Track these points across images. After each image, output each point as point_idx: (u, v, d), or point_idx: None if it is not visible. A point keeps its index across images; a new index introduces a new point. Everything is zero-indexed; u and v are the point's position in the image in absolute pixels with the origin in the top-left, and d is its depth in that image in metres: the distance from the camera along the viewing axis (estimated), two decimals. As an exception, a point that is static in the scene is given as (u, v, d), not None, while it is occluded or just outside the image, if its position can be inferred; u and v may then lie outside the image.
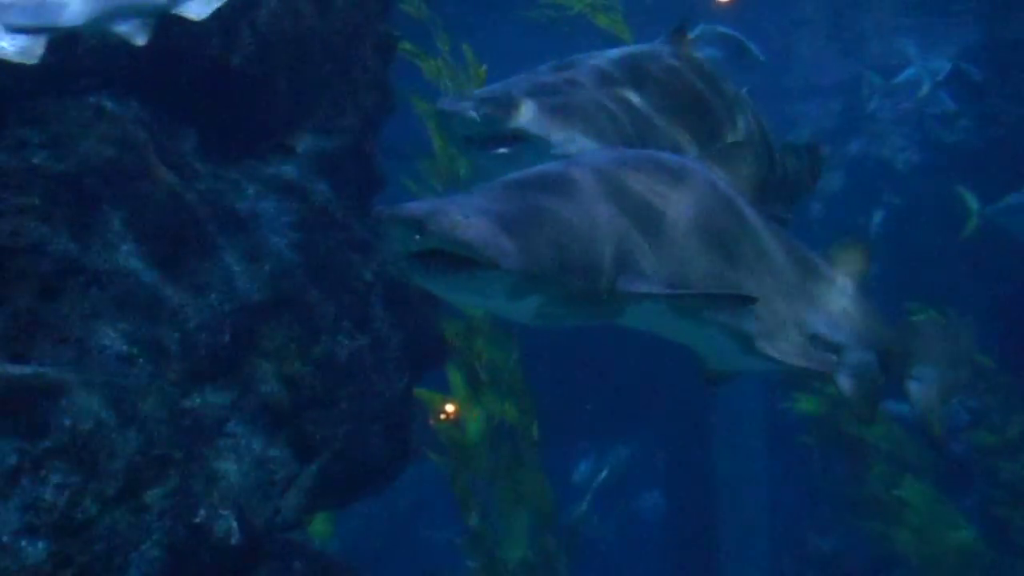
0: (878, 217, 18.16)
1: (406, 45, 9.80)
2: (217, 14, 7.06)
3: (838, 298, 6.91)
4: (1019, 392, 15.07)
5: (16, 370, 6.23)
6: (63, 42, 7.17)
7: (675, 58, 7.84)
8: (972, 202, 15.95)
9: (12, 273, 6.57)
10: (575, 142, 6.73)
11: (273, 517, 7.33)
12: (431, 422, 9.58)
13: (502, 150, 6.76)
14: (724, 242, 5.93)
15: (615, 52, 7.76)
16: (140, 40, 6.74)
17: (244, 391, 7.39)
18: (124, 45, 6.98)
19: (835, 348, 6.75)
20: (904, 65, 19.73)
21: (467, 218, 4.88)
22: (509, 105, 6.71)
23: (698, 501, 19.14)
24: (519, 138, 6.70)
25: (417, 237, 4.83)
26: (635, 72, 7.47)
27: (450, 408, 9.68)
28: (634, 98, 7.24)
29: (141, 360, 6.81)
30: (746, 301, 5.77)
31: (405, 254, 5.03)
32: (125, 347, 6.78)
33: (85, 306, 6.75)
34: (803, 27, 22.36)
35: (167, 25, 7.69)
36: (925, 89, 18.36)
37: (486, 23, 15.65)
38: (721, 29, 18.59)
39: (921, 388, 7.42)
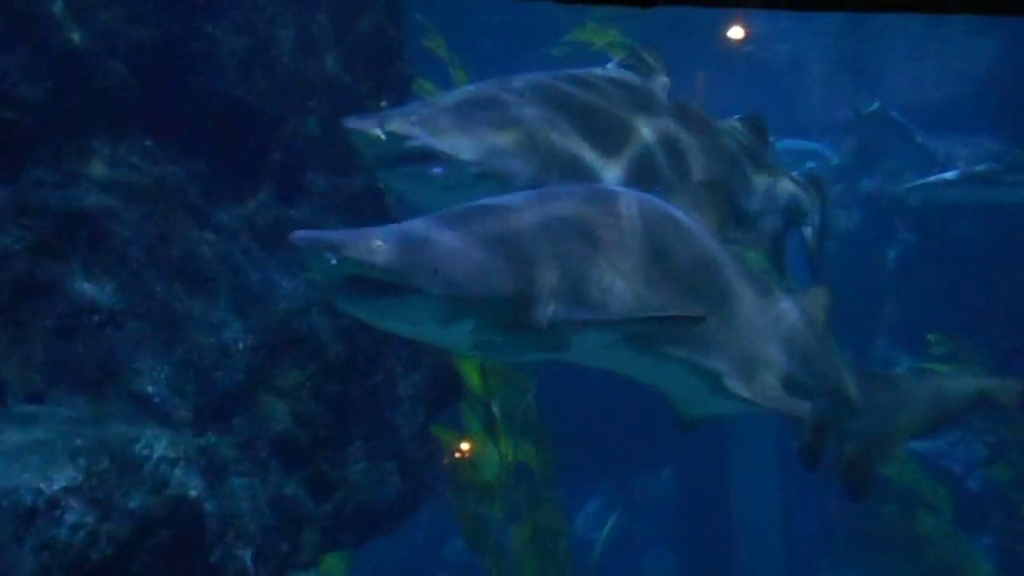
0: (892, 254, 18.11)
1: (423, 83, 9.81)
2: (233, 52, 7.07)
3: (811, 341, 6.83)
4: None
5: (32, 411, 6.24)
6: (78, 82, 7.22)
7: (624, 82, 7.68)
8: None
9: (28, 313, 6.58)
10: (490, 161, 6.54)
11: (288, 556, 7.31)
12: (446, 461, 9.54)
13: (409, 169, 6.56)
14: (684, 278, 5.80)
15: (553, 73, 7.53)
16: None
17: (258, 430, 7.38)
18: (140, 86, 7.00)
19: (806, 392, 6.66)
20: None
21: (385, 243, 4.83)
22: (417, 123, 6.48)
23: (714, 536, 19.05)
24: (428, 156, 6.48)
25: (334, 262, 4.76)
26: (570, 93, 7.26)
27: (465, 446, 9.63)
28: (562, 119, 7.00)
29: (156, 399, 6.82)
30: (690, 321, 5.58)
31: (330, 282, 4.96)
32: (140, 386, 6.78)
33: (100, 346, 6.76)
34: (816, 63, 22.41)
35: (183, 64, 7.75)
36: None
37: (509, 60, 15.69)
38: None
39: (854, 445, 7.34)
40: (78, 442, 6.09)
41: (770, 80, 22.67)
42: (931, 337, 13.97)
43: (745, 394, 6.04)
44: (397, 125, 6.41)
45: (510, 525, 9.87)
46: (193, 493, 6.55)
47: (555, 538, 9.98)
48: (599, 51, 11.77)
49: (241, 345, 7.42)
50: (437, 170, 6.49)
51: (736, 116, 8.70)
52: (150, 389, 6.81)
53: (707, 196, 6.45)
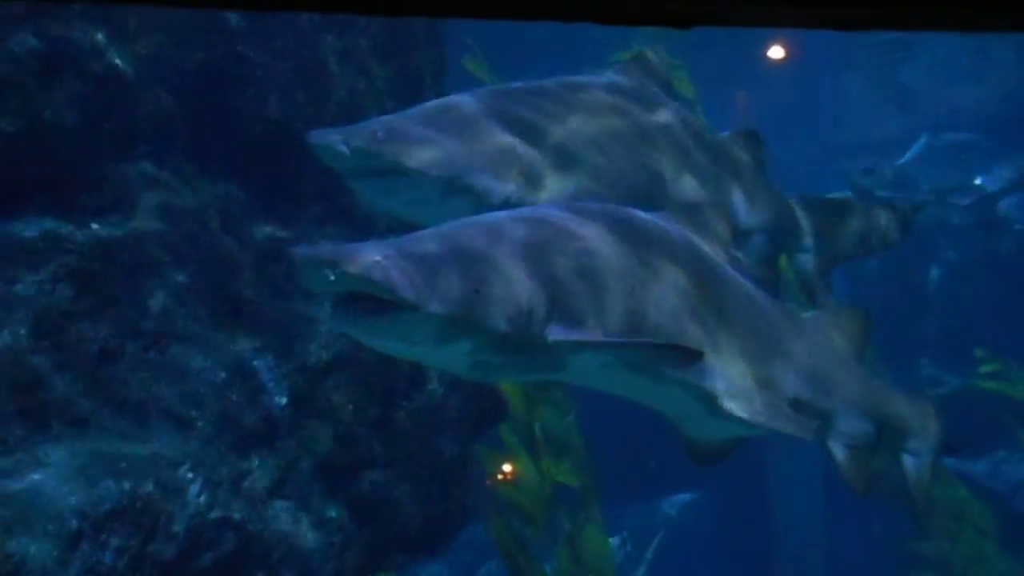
0: (935, 273, 18.01)
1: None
2: (275, 77, 7.08)
3: (828, 363, 6.71)
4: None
5: (76, 434, 6.27)
6: (121, 108, 7.27)
7: (615, 90, 7.34)
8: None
9: (73, 337, 6.61)
10: (460, 178, 6.29)
11: (331, 579, 7.32)
12: (488, 482, 9.51)
13: (377, 182, 6.32)
14: (681, 297, 5.69)
15: (538, 83, 7.22)
16: None
17: (302, 452, 7.39)
18: (182, 111, 7.04)
19: (824, 414, 6.57)
20: None
21: (383, 258, 4.71)
22: (383, 138, 6.22)
23: (756, 557, 18.95)
24: (395, 172, 6.22)
25: (331, 278, 4.64)
26: (554, 104, 6.94)
27: (507, 468, 9.59)
28: (542, 132, 6.71)
29: (200, 423, 6.84)
30: (690, 355, 5.46)
31: (330, 299, 4.85)
32: (184, 410, 6.80)
33: (144, 370, 6.79)
34: (855, 84, 22.35)
35: (225, 89, 7.79)
36: None
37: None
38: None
39: (916, 464, 7.29)
40: (123, 465, 6.12)
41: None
42: (978, 354, 13.87)
43: (743, 415, 5.87)
44: (361, 140, 6.19)
45: (551, 547, 9.84)
46: (236, 516, 6.56)
47: (598, 560, 9.94)
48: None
49: (284, 368, 7.45)
50: (402, 186, 6.29)
51: (729, 131, 8.34)
52: (193, 413, 6.83)
53: (706, 214, 6.37)
